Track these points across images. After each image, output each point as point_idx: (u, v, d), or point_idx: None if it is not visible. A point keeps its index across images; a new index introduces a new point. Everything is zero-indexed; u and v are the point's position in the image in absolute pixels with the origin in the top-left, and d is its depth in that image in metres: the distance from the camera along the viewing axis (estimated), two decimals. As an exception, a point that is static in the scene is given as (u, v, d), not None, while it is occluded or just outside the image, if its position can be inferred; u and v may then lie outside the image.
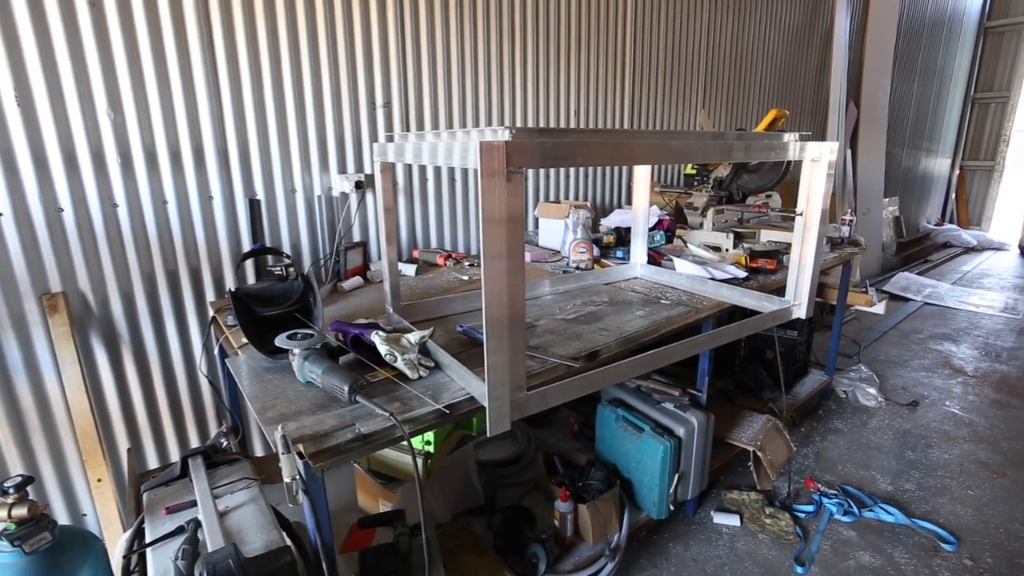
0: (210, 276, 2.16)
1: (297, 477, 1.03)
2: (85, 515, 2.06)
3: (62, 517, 2.02)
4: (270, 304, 1.58)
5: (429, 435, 1.63)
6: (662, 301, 1.98)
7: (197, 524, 1.17)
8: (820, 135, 5.26)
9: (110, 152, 1.88)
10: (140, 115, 1.90)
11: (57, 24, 1.72)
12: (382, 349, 1.37)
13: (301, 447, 1.07)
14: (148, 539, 1.17)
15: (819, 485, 2.42)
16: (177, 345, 2.13)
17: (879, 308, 3.18)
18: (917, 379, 3.59)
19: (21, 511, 1.07)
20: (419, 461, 1.71)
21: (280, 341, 1.34)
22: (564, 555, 1.87)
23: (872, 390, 3.27)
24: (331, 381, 1.23)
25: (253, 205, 2.19)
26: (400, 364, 1.35)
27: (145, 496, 1.32)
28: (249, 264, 2.25)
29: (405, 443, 1.14)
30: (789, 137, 1.68)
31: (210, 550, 1.07)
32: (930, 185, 8.21)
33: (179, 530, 1.18)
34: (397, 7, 2.39)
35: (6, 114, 1.70)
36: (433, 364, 1.39)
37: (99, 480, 1.90)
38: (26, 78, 1.71)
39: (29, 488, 1.16)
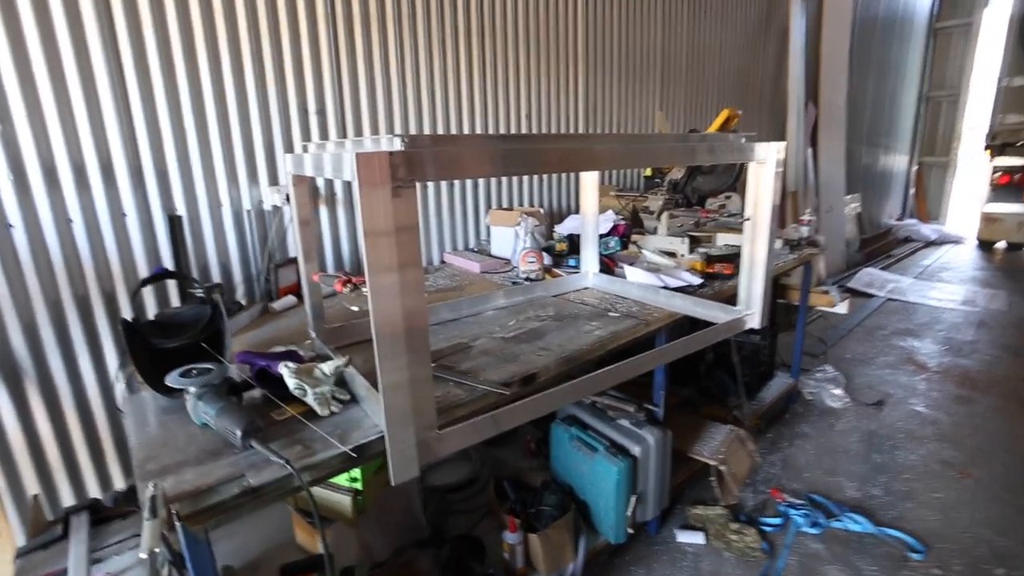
0: (127, 301, 1.98)
1: (160, 549, 0.88)
2: (-12, 571, 1.86)
3: (-38, 574, 1.82)
4: (176, 334, 1.43)
5: (356, 471, 1.49)
6: (611, 314, 1.88)
7: (65, 598, 1.01)
8: (780, 135, 5.27)
9: None
10: (34, 127, 1.72)
11: (-71, 28, 1.55)
12: (290, 383, 1.23)
13: (177, 507, 0.92)
14: (8, 618, 1.01)
15: (785, 495, 2.35)
16: (92, 376, 1.94)
17: (841, 308, 3.14)
18: (882, 377, 3.58)
19: None
20: (346, 501, 1.58)
21: (171, 379, 1.18)
22: (515, 590, 1.74)
23: (838, 391, 3.23)
24: (223, 424, 1.09)
25: (174, 222, 2.02)
26: (309, 399, 1.21)
27: (16, 564, 1.15)
28: (174, 289, 2.08)
29: (308, 492, 1.00)
30: (735, 138, 1.59)
31: (70, 633, 0.92)
32: (890, 181, 8.36)
33: (44, 606, 1.01)
34: (328, 5, 2.25)
35: None
36: (349, 397, 1.26)
37: (-5, 534, 1.71)
38: None
39: None
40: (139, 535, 1.24)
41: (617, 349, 1.65)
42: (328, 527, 1.60)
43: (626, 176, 3.79)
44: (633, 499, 1.89)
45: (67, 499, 1.97)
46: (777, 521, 2.21)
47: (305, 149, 1.50)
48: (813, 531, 2.17)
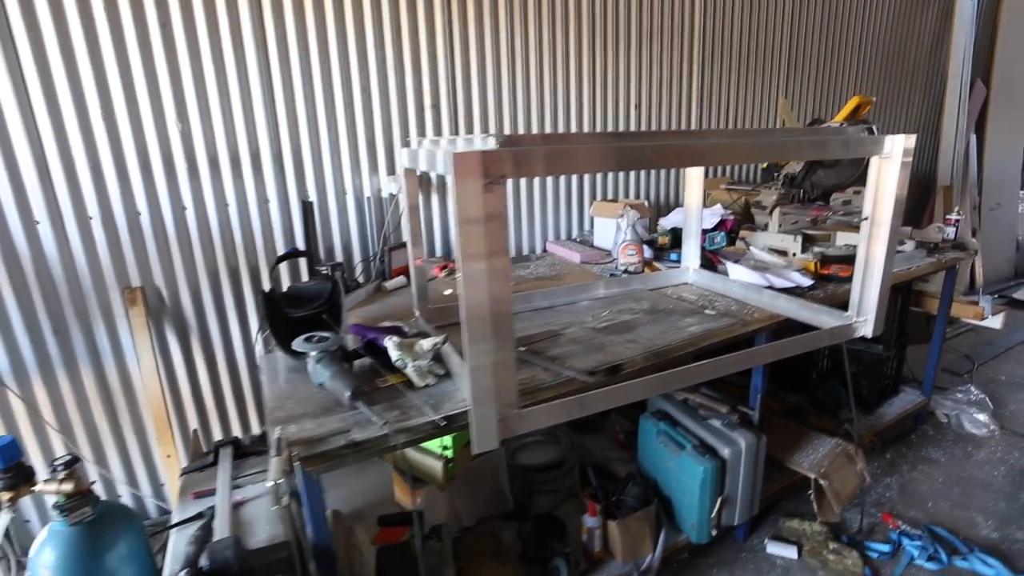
0: (268, 274, 2.30)
1: (282, 480, 1.05)
2: (163, 484, 2.28)
3: (145, 485, 2.26)
4: (303, 305, 1.65)
5: (447, 440, 1.62)
6: (707, 311, 1.83)
7: (215, 512, 1.25)
8: (934, 121, 4.62)
9: (179, 159, 2.04)
10: (204, 124, 2.05)
11: (134, 47, 1.90)
12: (393, 355, 1.38)
13: (296, 450, 1.09)
14: (174, 520, 1.27)
15: (899, 522, 2.13)
16: (239, 337, 2.30)
17: (993, 321, 2.73)
18: (1046, 406, 3.06)
19: (68, 487, 1.19)
20: (438, 466, 1.72)
21: (297, 344, 1.38)
22: (591, 571, 1.79)
23: (982, 416, 2.83)
24: (336, 385, 1.26)
25: (306, 207, 2.30)
26: (409, 370, 1.35)
27: (181, 480, 1.43)
28: (303, 265, 2.37)
29: (407, 451, 1.13)
30: (854, 131, 1.47)
31: (215, 539, 1.14)
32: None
33: (199, 516, 1.26)
34: (444, 4, 2.39)
35: (94, 130, 1.90)
36: (443, 372, 1.38)
37: (168, 456, 2.11)
38: (109, 98, 1.90)
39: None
40: (267, 471, 1.48)
41: (710, 347, 1.61)
42: (421, 488, 1.77)
43: (741, 168, 3.57)
44: (719, 501, 1.85)
45: (216, 436, 2.36)
46: (885, 548, 2.02)
47: (420, 144, 1.64)
48: (930, 566, 1.96)
